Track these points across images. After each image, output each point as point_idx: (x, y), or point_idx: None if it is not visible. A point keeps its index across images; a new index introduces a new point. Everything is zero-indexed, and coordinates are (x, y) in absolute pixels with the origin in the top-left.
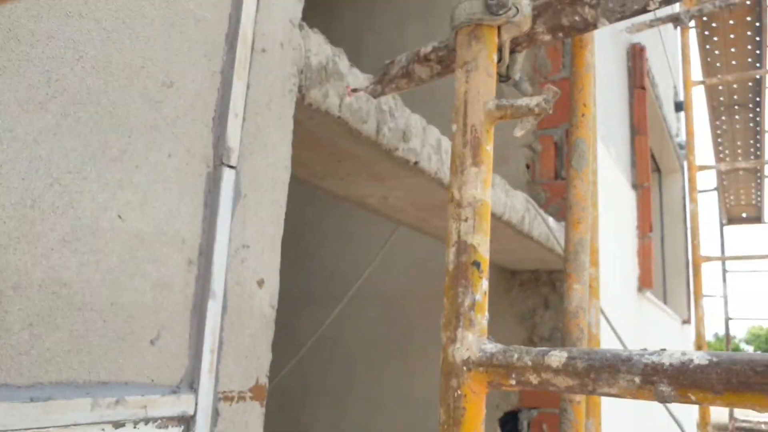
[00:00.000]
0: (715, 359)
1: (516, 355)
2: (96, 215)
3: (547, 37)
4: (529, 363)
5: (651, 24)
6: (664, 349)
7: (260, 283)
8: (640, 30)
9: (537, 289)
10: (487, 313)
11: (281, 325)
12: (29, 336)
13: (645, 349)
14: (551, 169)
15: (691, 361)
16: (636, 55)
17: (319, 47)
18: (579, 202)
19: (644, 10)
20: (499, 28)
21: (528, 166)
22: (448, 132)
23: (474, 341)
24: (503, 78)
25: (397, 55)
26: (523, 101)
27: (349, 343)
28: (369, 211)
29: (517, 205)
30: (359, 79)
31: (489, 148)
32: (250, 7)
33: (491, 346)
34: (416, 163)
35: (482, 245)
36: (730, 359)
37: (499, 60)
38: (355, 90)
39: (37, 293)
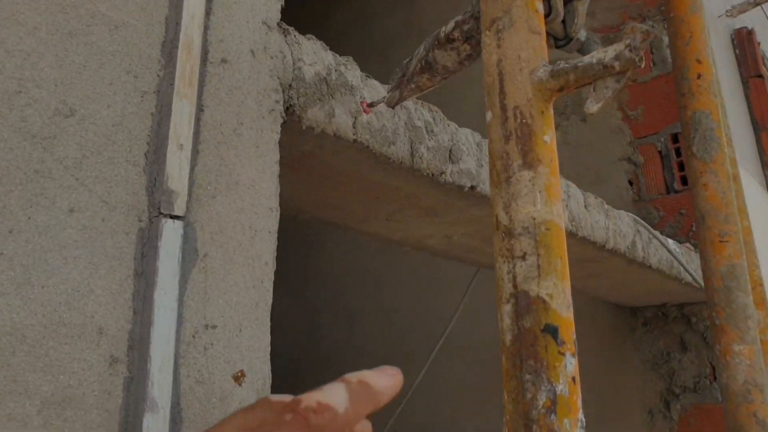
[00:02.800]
0: None
1: None
2: None
3: None
4: None
5: (756, 2)
6: None
7: (239, 376)
8: (743, 11)
9: (667, 328)
10: (581, 415)
11: None
12: None
13: None
14: (660, 183)
15: None
16: (744, 41)
17: (314, 55)
18: (716, 209)
19: None
20: None
21: (631, 183)
22: None
23: None
24: (560, 40)
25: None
26: (593, 57)
27: (447, 401)
28: (434, 254)
29: (624, 228)
30: (380, 92)
31: (548, 138)
32: (195, 5)
33: None
34: (473, 188)
35: (557, 297)
36: None
37: (548, 14)
38: (371, 104)
39: None
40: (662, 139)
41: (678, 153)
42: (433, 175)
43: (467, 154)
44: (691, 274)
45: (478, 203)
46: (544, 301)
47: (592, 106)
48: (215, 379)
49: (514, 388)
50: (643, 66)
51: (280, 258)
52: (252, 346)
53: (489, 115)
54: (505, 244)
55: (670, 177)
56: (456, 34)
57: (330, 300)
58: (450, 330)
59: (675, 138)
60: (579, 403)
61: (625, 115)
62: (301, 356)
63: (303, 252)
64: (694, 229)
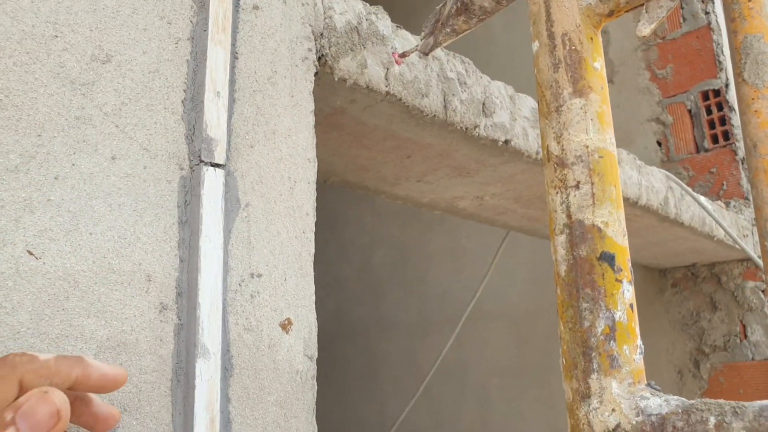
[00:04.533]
0: None
1: (713, 419)
2: None
3: None
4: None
5: None
6: None
7: (286, 324)
8: None
9: (696, 288)
10: (640, 342)
11: (402, 355)
12: None
13: None
14: (690, 142)
15: None
16: None
17: (344, 4)
18: None
19: None
20: None
21: (660, 143)
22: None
23: (623, 394)
24: None
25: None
26: None
27: (479, 371)
28: (464, 217)
29: (656, 184)
30: (411, 43)
31: (598, 65)
32: None
33: (657, 403)
34: (507, 141)
35: (613, 225)
36: None
37: None
38: (403, 54)
39: None
40: (692, 98)
41: (708, 111)
42: (467, 129)
43: (500, 108)
44: (724, 228)
45: (511, 159)
46: (599, 229)
47: (645, 29)
48: (263, 327)
49: (571, 318)
50: None
51: None
52: (297, 295)
53: (535, 44)
54: (558, 175)
55: (700, 136)
56: None
57: (355, 272)
58: (479, 296)
59: (705, 96)
60: (637, 330)
61: (653, 74)
62: (329, 327)
63: (329, 224)
64: (725, 187)
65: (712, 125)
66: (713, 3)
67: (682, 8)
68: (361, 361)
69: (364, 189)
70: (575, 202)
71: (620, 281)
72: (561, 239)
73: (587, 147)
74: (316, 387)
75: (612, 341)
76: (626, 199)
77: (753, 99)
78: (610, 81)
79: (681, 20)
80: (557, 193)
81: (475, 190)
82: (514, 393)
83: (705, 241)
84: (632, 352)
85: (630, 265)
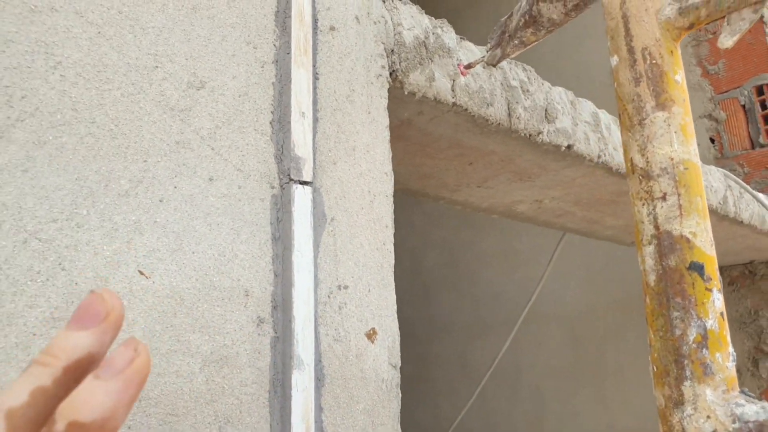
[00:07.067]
0: None
1: None
2: (103, 275)
3: None
4: None
5: None
6: None
7: (371, 334)
8: None
9: (755, 286)
10: (731, 349)
11: (455, 357)
12: None
13: None
14: (744, 138)
15: None
16: None
17: (412, 19)
18: None
19: None
20: None
21: (713, 140)
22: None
23: (718, 401)
24: None
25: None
26: None
27: (533, 371)
28: (522, 221)
29: (715, 184)
30: (475, 54)
31: (679, 77)
32: None
33: (754, 410)
34: (569, 147)
35: (701, 235)
36: None
37: None
38: (469, 66)
39: None
40: (746, 93)
41: (763, 106)
42: (530, 135)
43: (562, 113)
44: None
45: (573, 164)
46: (688, 240)
47: (727, 41)
48: (351, 338)
49: (662, 326)
50: None
51: None
52: (380, 305)
53: (614, 59)
54: (643, 187)
55: (755, 131)
56: None
57: (406, 274)
58: (535, 298)
59: (760, 90)
60: (728, 338)
61: (704, 70)
62: None
63: None
64: None
65: (767, 120)
66: None
67: None
68: (414, 363)
69: (425, 196)
70: (662, 214)
71: (710, 290)
72: (649, 250)
73: (672, 159)
74: (400, 395)
75: (704, 349)
76: None
77: None
78: None
79: None
80: (643, 204)
81: (535, 194)
82: (569, 394)
83: (764, 239)
84: (725, 359)
85: (719, 274)
